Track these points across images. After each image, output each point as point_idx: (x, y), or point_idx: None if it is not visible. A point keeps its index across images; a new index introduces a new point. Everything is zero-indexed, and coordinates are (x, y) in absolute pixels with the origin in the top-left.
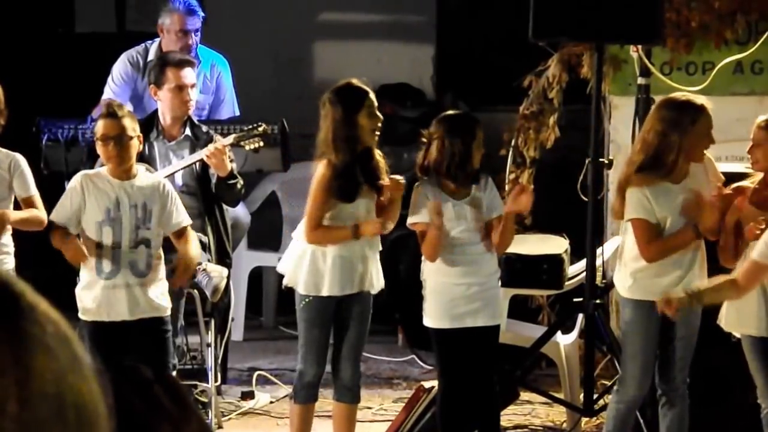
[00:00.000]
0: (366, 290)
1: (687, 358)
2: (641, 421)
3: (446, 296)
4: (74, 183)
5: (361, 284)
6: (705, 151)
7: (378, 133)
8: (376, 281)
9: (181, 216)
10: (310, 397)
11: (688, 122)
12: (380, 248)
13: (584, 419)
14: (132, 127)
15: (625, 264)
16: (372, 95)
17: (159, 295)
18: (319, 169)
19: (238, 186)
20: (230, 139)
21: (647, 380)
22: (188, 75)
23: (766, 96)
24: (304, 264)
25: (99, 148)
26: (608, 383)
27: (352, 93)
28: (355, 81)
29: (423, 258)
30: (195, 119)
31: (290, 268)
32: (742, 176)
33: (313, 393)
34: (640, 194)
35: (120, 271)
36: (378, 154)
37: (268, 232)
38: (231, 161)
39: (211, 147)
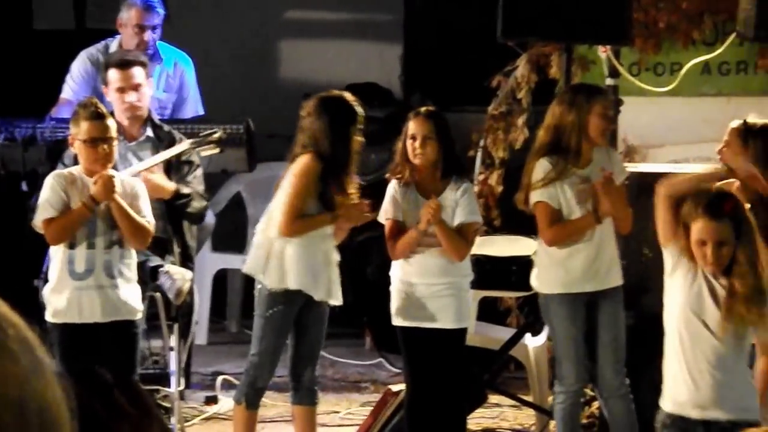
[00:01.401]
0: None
1: (620, 360)
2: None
3: (409, 295)
4: (53, 181)
5: (325, 291)
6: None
7: (358, 152)
8: (333, 293)
9: (145, 214)
10: (258, 403)
11: (583, 101)
12: (338, 260)
13: (552, 422)
14: (114, 127)
15: (541, 261)
16: (362, 117)
17: (132, 297)
18: (305, 160)
19: (194, 205)
20: (184, 145)
21: (583, 370)
22: (134, 75)
23: (733, 97)
24: (271, 260)
25: (85, 150)
26: None
27: (348, 107)
28: (348, 96)
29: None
30: (156, 119)
31: (258, 266)
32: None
33: (260, 399)
34: (541, 174)
35: (94, 272)
36: (354, 179)
37: (232, 233)
38: (197, 173)
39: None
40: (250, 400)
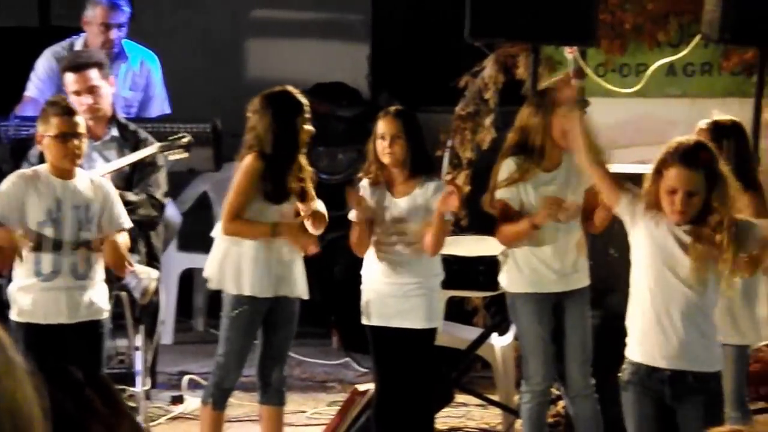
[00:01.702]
0: (286, 295)
1: (586, 360)
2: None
3: (379, 294)
4: (10, 182)
5: (279, 289)
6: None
7: (306, 142)
8: (298, 287)
9: (123, 217)
10: (225, 404)
11: (549, 103)
12: (301, 254)
13: (519, 421)
14: (84, 123)
15: (509, 260)
16: (308, 107)
17: (99, 297)
18: (248, 160)
19: (140, 213)
20: (152, 149)
21: (549, 370)
22: (89, 78)
23: (698, 98)
24: (227, 264)
25: (54, 146)
26: None
27: (292, 99)
28: (292, 89)
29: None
30: (122, 119)
31: (215, 271)
32: None
33: (228, 399)
34: (506, 174)
35: (61, 273)
36: (304, 159)
37: (199, 233)
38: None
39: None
40: (217, 400)
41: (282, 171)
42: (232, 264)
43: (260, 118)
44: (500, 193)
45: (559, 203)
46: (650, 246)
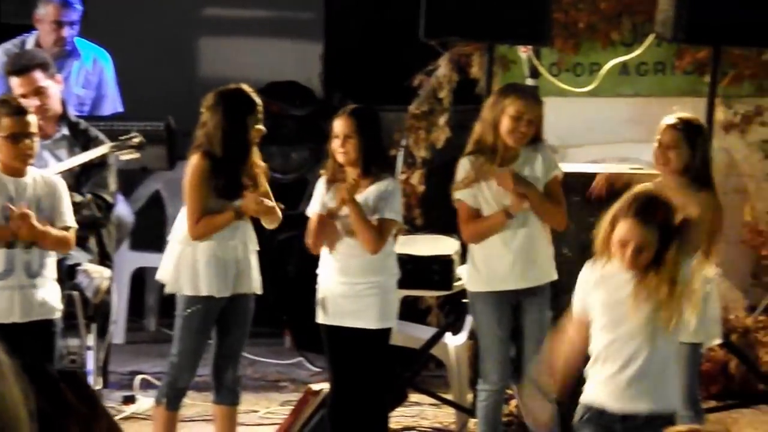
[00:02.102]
0: (244, 292)
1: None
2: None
3: (334, 293)
4: None
5: (236, 286)
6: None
7: (257, 142)
8: (253, 283)
9: (67, 216)
10: (179, 404)
11: (499, 100)
12: (255, 250)
13: (472, 420)
14: (36, 123)
15: (469, 259)
16: (260, 107)
17: (51, 296)
18: (193, 161)
19: (83, 213)
20: (104, 149)
21: (506, 369)
22: (34, 80)
23: (651, 97)
24: (183, 267)
25: (6, 146)
26: None
27: (244, 98)
28: (246, 87)
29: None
30: (73, 117)
31: (170, 274)
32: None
33: (182, 399)
34: (462, 174)
35: (14, 272)
36: (257, 155)
37: (151, 232)
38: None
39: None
40: (171, 400)
41: (232, 168)
42: (187, 266)
43: (211, 115)
44: (457, 194)
45: (511, 172)
46: (601, 301)
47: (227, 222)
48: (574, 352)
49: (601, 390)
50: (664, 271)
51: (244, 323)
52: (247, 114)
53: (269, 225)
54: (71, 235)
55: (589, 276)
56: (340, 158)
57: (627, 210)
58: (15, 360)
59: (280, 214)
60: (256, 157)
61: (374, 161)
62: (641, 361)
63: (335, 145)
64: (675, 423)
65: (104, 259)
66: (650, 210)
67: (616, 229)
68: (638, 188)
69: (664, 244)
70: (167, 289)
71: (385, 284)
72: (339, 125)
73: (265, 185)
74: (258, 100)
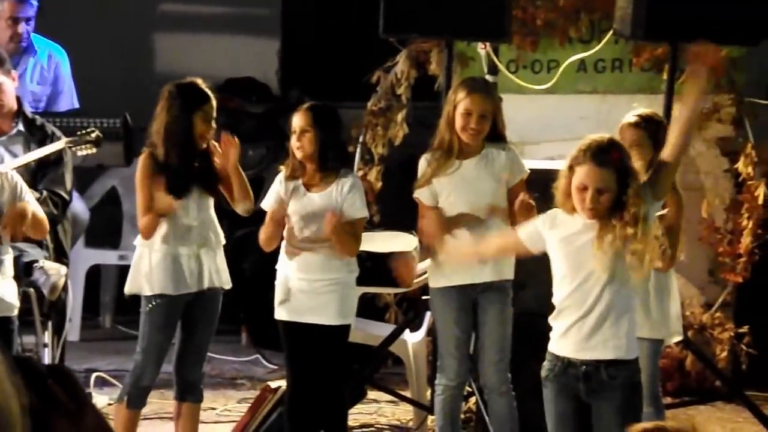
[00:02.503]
0: (209, 287)
1: (503, 358)
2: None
3: (292, 290)
4: None
5: (199, 282)
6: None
7: (208, 139)
8: (217, 278)
9: (32, 205)
10: (142, 402)
11: (453, 96)
12: (220, 245)
13: (431, 417)
14: None
15: (430, 256)
16: (213, 102)
17: (8, 293)
18: (139, 161)
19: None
20: (60, 144)
21: (464, 365)
22: None
23: (608, 94)
24: (141, 267)
25: None
26: None
27: (193, 93)
28: (200, 82)
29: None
30: (29, 113)
31: (131, 275)
32: None
33: (146, 398)
34: (423, 168)
35: None
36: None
37: (107, 229)
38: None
39: None
40: (133, 399)
41: (175, 167)
42: (145, 265)
43: (159, 111)
44: (417, 192)
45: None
46: (562, 249)
47: (163, 202)
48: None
49: (564, 339)
50: (626, 215)
51: (210, 320)
52: (193, 111)
53: (244, 203)
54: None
55: (550, 217)
56: (297, 153)
57: (582, 156)
58: (6, 355)
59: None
60: (216, 154)
61: (331, 156)
62: (603, 308)
63: (293, 140)
64: (639, 373)
65: (60, 256)
66: (605, 153)
67: (574, 176)
68: (591, 136)
69: (622, 187)
70: (126, 290)
71: (344, 281)
72: (296, 120)
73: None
74: (210, 96)
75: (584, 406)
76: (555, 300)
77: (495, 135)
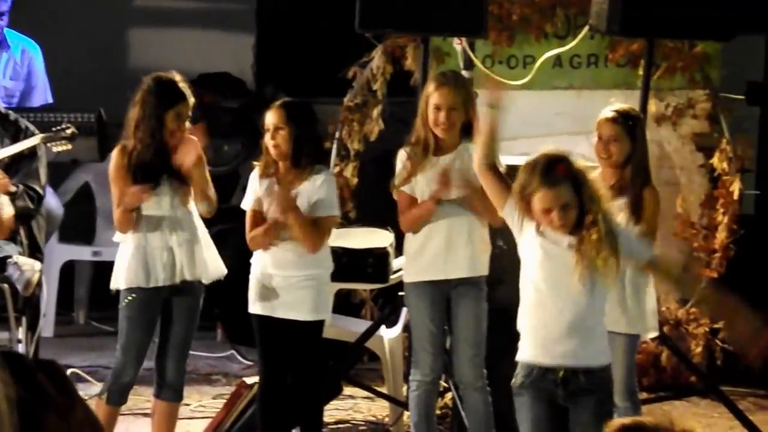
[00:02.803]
0: (182, 281)
1: (478, 354)
2: (459, 405)
3: (267, 285)
4: None
5: (173, 276)
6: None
7: (178, 137)
8: (191, 272)
9: (3, 204)
10: (123, 399)
11: (425, 95)
12: (198, 239)
13: (406, 413)
14: None
15: (405, 250)
16: (189, 101)
17: None
18: (111, 156)
19: (17, 204)
20: (35, 140)
21: (439, 360)
22: None
23: (584, 90)
24: (118, 262)
25: None
26: None
27: (169, 91)
28: (179, 79)
29: None
30: (2, 108)
31: (114, 271)
32: None
33: (126, 395)
34: (400, 165)
35: None
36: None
37: (81, 224)
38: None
39: None
40: (112, 395)
41: (145, 162)
42: (121, 260)
43: (135, 102)
44: (397, 183)
45: (446, 173)
46: (537, 251)
47: (131, 195)
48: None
49: (539, 347)
50: (588, 219)
51: (189, 316)
52: (166, 109)
53: (204, 205)
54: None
55: (533, 241)
56: (272, 151)
57: (533, 182)
58: None
59: (214, 195)
60: (177, 153)
61: (306, 153)
62: (579, 315)
63: (267, 138)
64: (612, 379)
65: (34, 252)
66: (550, 171)
67: (533, 204)
68: (530, 158)
69: (579, 194)
70: (111, 286)
71: (319, 277)
72: (269, 117)
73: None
74: (187, 95)
75: (560, 410)
76: (523, 300)
77: (470, 130)
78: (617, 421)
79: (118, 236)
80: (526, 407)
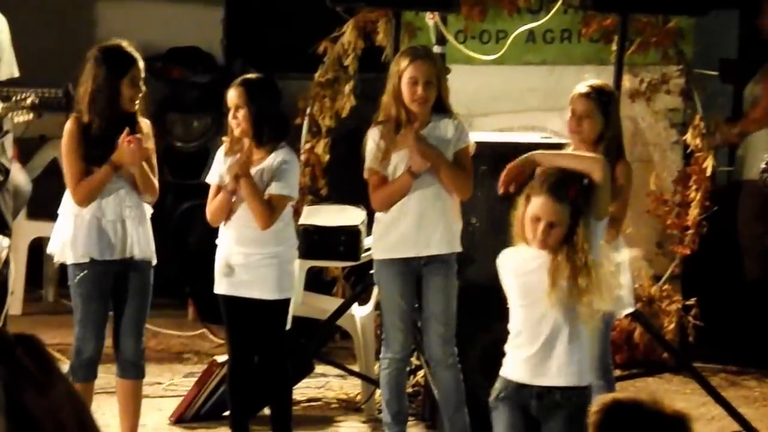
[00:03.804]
0: (132, 256)
1: (448, 331)
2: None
3: (230, 264)
4: None
5: (122, 251)
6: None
7: (137, 102)
8: (141, 249)
9: None
10: (89, 375)
11: (396, 70)
12: (145, 214)
13: (378, 391)
14: None
15: (374, 228)
16: (140, 64)
17: None
18: (65, 127)
19: None
20: None
21: (409, 338)
22: None
23: (557, 66)
24: (66, 234)
25: None
26: None
27: (120, 58)
28: (125, 44)
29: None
30: None
31: (57, 244)
32: (540, 147)
33: (93, 370)
34: (372, 144)
35: None
36: (144, 123)
37: (49, 201)
38: None
39: None
40: (76, 371)
41: (100, 134)
42: (69, 234)
43: (86, 76)
44: (369, 164)
45: (414, 131)
46: (514, 279)
47: (106, 176)
48: None
49: (519, 366)
50: (576, 253)
51: (141, 291)
52: (120, 77)
53: (146, 195)
54: None
55: (507, 263)
56: (235, 130)
57: (540, 187)
58: None
59: (156, 182)
60: (143, 123)
61: (268, 131)
62: (558, 339)
63: (229, 116)
64: (590, 396)
65: (2, 228)
66: (562, 187)
67: (529, 206)
68: (554, 166)
69: (575, 221)
70: (56, 259)
71: (282, 255)
72: (230, 96)
73: (148, 152)
74: (137, 58)
75: (533, 421)
76: (510, 327)
77: (440, 106)
78: (609, 396)
79: (64, 208)
80: (502, 416)
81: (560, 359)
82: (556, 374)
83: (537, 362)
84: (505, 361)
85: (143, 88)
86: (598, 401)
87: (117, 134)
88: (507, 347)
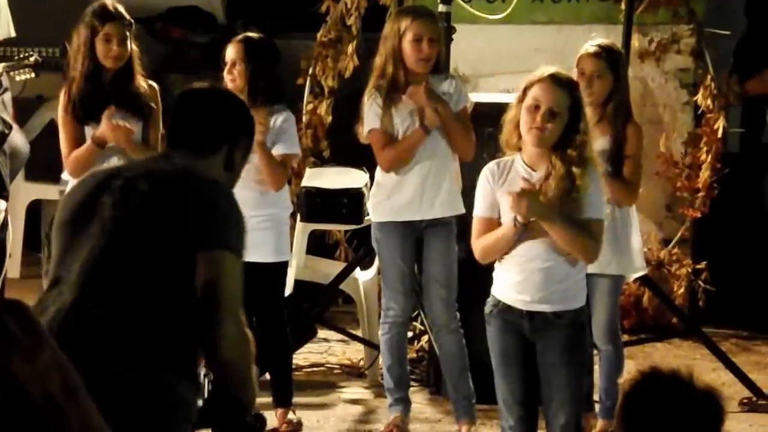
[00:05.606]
0: None
1: (450, 295)
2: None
3: None
4: None
5: None
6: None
7: (116, 60)
8: None
9: None
10: None
11: (395, 27)
12: None
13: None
14: None
15: (374, 190)
16: (120, 21)
17: None
18: (60, 96)
19: None
20: None
21: (408, 302)
22: None
23: (564, 25)
24: None
25: None
26: None
27: (97, 15)
28: (109, 3)
29: None
30: None
31: None
32: None
33: None
34: (373, 105)
35: None
36: (146, 83)
37: (47, 162)
38: None
39: None
40: None
41: (83, 94)
42: None
43: (76, 35)
44: (369, 124)
45: (426, 87)
46: (506, 199)
47: (88, 152)
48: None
49: (508, 288)
50: (571, 152)
51: None
52: (94, 33)
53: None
54: None
55: (493, 173)
56: (229, 86)
57: (537, 78)
58: None
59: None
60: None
61: (262, 91)
62: (549, 259)
63: (225, 72)
64: (583, 319)
65: (0, 191)
66: (562, 77)
67: (526, 99)
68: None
69: (572, 121)
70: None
71: (277, 217)
72: (228, 52)
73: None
74: (114, 15)
75: (528, 343)
76: None
77: (437, 66)
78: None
79: (66, 175)
80: (494, 337)
81: (552, 282)
82: (549, 299)
83: (527, 286)
84: (495, 281)
85: (129, 47)
86: (637, 369)
87: (99, 93)
88: (497, 266)
